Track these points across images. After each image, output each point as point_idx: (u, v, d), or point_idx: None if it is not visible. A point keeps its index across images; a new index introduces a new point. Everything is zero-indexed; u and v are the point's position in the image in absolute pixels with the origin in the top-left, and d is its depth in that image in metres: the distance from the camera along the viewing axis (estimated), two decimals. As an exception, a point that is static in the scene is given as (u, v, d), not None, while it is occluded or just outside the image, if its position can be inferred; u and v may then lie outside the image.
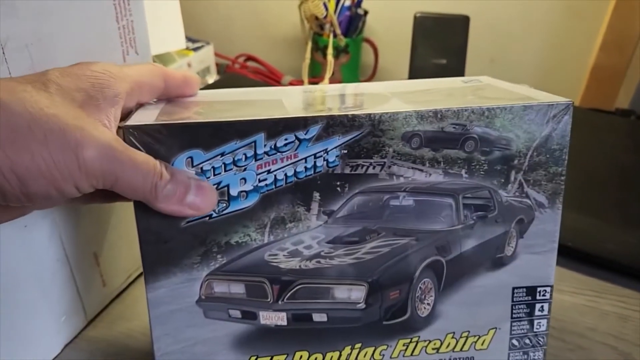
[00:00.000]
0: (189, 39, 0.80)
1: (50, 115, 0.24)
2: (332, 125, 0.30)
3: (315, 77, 0.85)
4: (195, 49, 0.79)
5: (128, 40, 0.38)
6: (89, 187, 0.26)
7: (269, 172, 0.31)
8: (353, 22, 0.83)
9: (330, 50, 0.81)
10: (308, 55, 0.83)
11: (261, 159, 0.30)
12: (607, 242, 0.51)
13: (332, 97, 0.36)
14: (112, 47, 0.38)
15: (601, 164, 0.64)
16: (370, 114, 0.31)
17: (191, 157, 0.30)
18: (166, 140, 0.29)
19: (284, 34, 0.97)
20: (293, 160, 0.31)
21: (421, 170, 0.32)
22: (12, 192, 0.24)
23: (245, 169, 0.30)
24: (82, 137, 0.25)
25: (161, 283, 0.32)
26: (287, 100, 0.35)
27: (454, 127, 0.32)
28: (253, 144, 0.30)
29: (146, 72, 0.32)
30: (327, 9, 0.78)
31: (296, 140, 0.30)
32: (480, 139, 0.32)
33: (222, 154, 0.30)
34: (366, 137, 0.31)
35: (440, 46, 0.74)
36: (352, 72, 0.87)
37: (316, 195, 0.32)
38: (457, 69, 0.74)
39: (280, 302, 0.33)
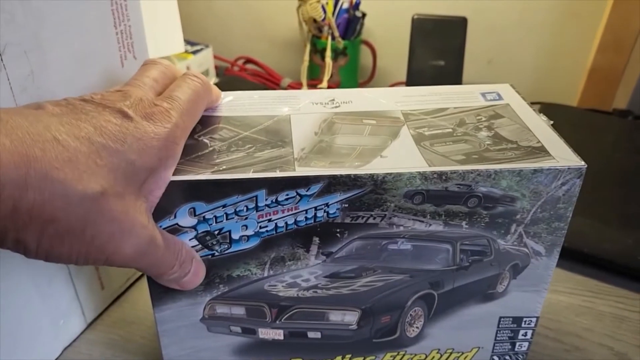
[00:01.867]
0: (187, 42, 0.79)
1: (105, 221, 0.25)
2: (334, 184, 0.30)
3: (314, 79, 0.85)
4: (194, 52, 0.79)
5: (126, 45, 0.37)
6: None
7: (269, 220, 0.31)
8: (351, 25, 0.82)
9: (328, 53, 0.80)
10: (306, 57, 0.82)
11: (262, 210, 0.31)
12: (603, 243, 0.52)
13: (341, 120, 0.35)
14: (110, 52, 0.37)
15: (598, 164, 0.63)
16: (372, 175, 0.30)
17: (194, 208, 0.30)
18: (170, 194, 0.30)
19: (282, 36, 0.95)
20: (294, 211, 0.31)
21: (421, 222, 0.33)
22: (34, 258, 0.25)
23: (246, 218, 0.31)
24: (122, 244, 0.26)
25: (168, 306, 0.34)
26: (296, 121, 0.35)
27: (458, 187, 0.31)
28: (254, 198, 0.30)
29: (198, 111, 0.32)
30: (325, 12, 0.77)
31: (297, 196, 0.30)
32: (485, 197, 0.32)
33: (224, 206, 0.30)
34: (368, 194, 0.31)
35: (438, 48, 0.73)
36: (350, 74, 0.86)
37: (316, 239, 0.33)
38: (455, 70, 0.73)
39: (277, 322, 0.36)
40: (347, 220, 0.32)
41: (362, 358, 0.38)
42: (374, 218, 0.32)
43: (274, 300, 0.35)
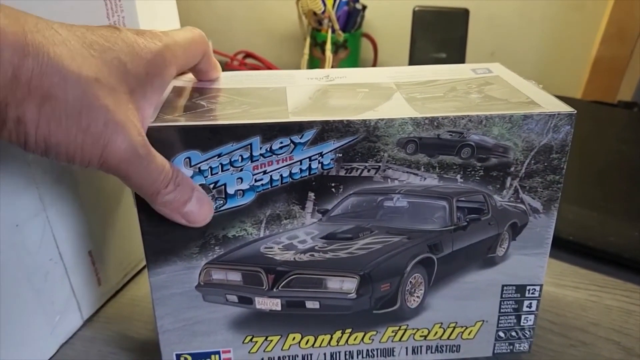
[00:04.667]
0: None
1: (101, 106, 0.25)
2: (327, 130, 0.31)
3: (314, 72, 0.87)
4: None
5: None
6: (99, 169, 0.27)
7: (264, 172, 0.32)
8: (351, 17, 0.83)
9: (328, 46, 0.80)
10: (307, 51, 0.83)
11: (257, 160, 0.31)
12: (609, 236, 0.51)
13: (335, 89, 0.36)
14: None
15: (604, 156, 0.63)
16: (365, 120, 0.31)
17: (189, 158, 0.31)
18: (165, 141, 0.30)
19: (282, 30, 0.96)
20: (288, 162, 0.31)
21: (416, 174, 0.33)
22: (34, 150, 0.25)
23: (241, 170, 0.31)
24: (116, 135, 0.26)
25: (162, 269, 0.34)
26: (291, 91, 0.35)
27: (450, 135, 0.31)
28: (249, 146, 0.31)
29: (192, 51, 0.33)
30: (325, 5, 0.77)
31: (291, 144, 0.31)
32: (477, 146, 0.32)
33: (219, 155, 0.31)
34: (361, 142, 0.31)
35: (439, 40, 0.73)
36: (351, 67, 0.86)
37: (311, 195, 0.33)
38: (457, 63, 0.73)
39: (274, 290, 0.35)
40: (342, 173, 0.32)
41: (363, 333, 0.37)
42: (368, 170, 0.32)
43: (270, 265, 0.34)
